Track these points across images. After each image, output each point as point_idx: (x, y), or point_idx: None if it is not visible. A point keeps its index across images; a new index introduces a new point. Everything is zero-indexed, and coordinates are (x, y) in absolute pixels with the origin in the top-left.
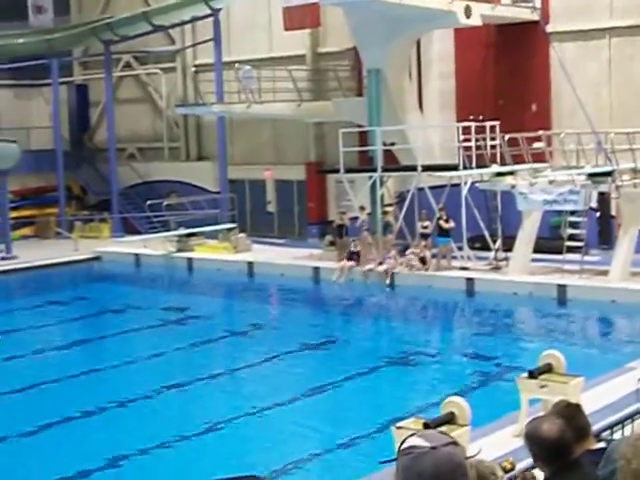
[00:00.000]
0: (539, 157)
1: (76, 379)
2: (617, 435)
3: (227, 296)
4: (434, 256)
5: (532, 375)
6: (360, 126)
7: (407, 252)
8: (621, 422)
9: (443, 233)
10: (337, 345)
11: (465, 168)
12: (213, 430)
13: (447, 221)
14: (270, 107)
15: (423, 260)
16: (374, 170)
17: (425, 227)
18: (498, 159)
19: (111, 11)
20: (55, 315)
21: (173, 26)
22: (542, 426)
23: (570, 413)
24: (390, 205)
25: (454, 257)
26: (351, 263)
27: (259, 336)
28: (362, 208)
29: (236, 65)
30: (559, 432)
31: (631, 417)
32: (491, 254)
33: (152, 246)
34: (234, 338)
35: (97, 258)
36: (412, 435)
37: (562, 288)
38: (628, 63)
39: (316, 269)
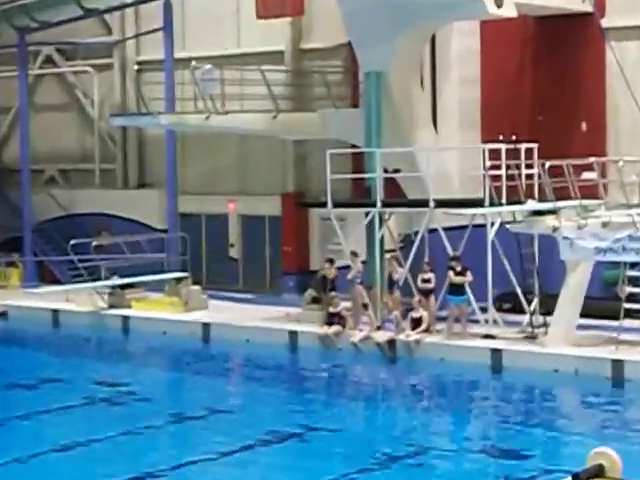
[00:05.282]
0: (590, 191)
1: None
2: None
3: (174, 368)
4: (443, 319)
5: None
6: (354, 146)
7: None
8: None
9: (456, 289)
10: (319, 437)
11: (493, 204)
12: None
13: (462, 274)
14: (236, 119)
15: (418, 321)
16: (372, 205)
17: (426, 280)
18: (536, 193)
19: None
20: None
21: (110, 10)
22: None
23: None
24: (393, 251)
25: (474, 321)
26: (335, 329)
27: (216, 422)
28: (355, 254)
29: (192, 63)
30: None
31: None
32: (525, 318)
33: (76, 300)
34: (182, 425)
35: (2, 314)
36: None
37: (618, 365)
38: None
39: (293, 334)
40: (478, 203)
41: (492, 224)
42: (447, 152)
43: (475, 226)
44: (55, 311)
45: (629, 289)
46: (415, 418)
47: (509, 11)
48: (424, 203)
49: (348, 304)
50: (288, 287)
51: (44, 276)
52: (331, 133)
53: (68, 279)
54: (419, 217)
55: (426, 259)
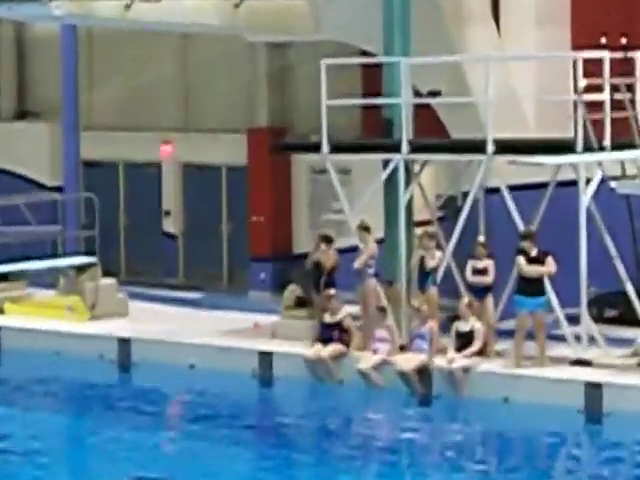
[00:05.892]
0: None
1: None
2: None
3: (73, 411)
4: (509, 335)
5: None
6: (365, 53)
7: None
8: None
9: (529, 287)
10: None
11: (589, 149)
12: None
13: (538, 261)
14: (175, 8)
15: (467, 338)
16: (394, 148)
17: (480, 271)
18: None
19: None
20: None
21: None
22: None
23: None
24: (427, 223)
25: (559, 338)
26: (333, 348)
27: None
28: (366, 229)
29: None
30: None
31: None
32: (639, 333)
33: None
34: None
35: None
36: None
37: None
38: None
39: (265, 357)
40: (566, 147)
41: (588, 181)
42: (516, 64)
43: (561, 184)
44: None
45: None
46: None
47: None
48: (478, 146)
49: (355, 309)
50: (258, 281)
51: None
52: (327, 31)
53: None
54: (470, 169)
55: (481, 238)
